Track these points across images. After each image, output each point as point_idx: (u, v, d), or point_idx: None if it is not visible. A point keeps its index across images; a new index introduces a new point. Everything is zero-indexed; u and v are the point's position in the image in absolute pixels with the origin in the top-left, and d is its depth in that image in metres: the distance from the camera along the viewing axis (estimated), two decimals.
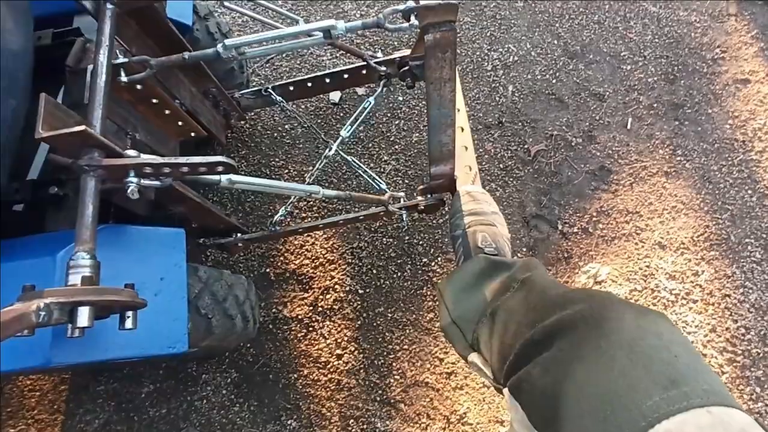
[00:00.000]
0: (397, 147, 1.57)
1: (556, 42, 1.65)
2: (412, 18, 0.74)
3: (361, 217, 1.22)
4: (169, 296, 0.85)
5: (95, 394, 1.43)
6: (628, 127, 1.53)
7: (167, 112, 0.94)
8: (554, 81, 1.60)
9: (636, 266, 1.39)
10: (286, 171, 1.58)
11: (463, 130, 1.18)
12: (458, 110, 1.16)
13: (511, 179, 1.51)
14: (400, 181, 1.54)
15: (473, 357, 0.74)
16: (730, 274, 1.37)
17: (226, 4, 0.85)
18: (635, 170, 1.49)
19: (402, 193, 1.16)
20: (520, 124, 1.57)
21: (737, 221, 1.42)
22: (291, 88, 1.29)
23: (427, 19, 0.74)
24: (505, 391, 0.60)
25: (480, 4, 1.72)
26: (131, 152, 0.70)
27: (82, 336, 0.64)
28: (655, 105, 1.55)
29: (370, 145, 1.58)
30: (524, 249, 1.44)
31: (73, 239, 0.71)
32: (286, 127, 1.62)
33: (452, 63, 0.83)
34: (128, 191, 0.68)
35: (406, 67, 1.04)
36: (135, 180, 0.69)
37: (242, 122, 1.59)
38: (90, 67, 0.76)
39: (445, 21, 0.75)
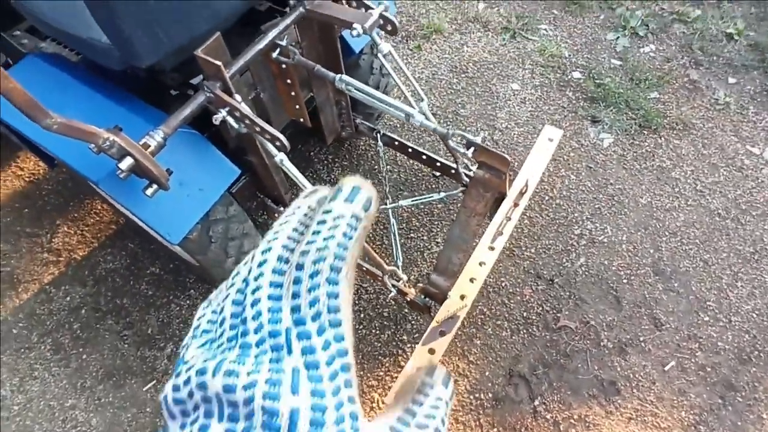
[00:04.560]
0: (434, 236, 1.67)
1: (651, 251, 1.61)
2: (471, 150, 0.87)
3: (364, 268, 1.33)
4: (195, 202, 1.07)
5: (123, 248, 1.74)
6: (666, 369, 1.42)
7: (292, 93, 1.20)
8: (625, 281, 1.56)
9: None
10: None
11: (493, 249, 1.23)
12: (493, 248, 1.18)
13: (525, 331, 1.50)
14: (420, 258, 1.62)
15: None
16: None
17: (380, 56, 1.08)
18: (643, 411, 1.37)
19: (405, 276, 1.23)
20: (567, 294, 1.55)
21: None
22: (396, 143, 1.49)
23: (482, 158, 0.86)
24: None
25: (607, 178, 1.77)
26: (237, 96, 0.94)
27: (124, 179, 0.87)
28: (708, 369, 1.41)
29: (415, 226, 1.70)
30: (489, 395, 1.40)
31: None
32: (375, 165, 1.83)
33: (488, 204, 0.93)
34: (214, 117, 0.92)
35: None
36: (224, 113, 0.93)
37: (348, 141, 1.83)
38: (261, 35, 1.03)
39: (496, 168, 0.87)
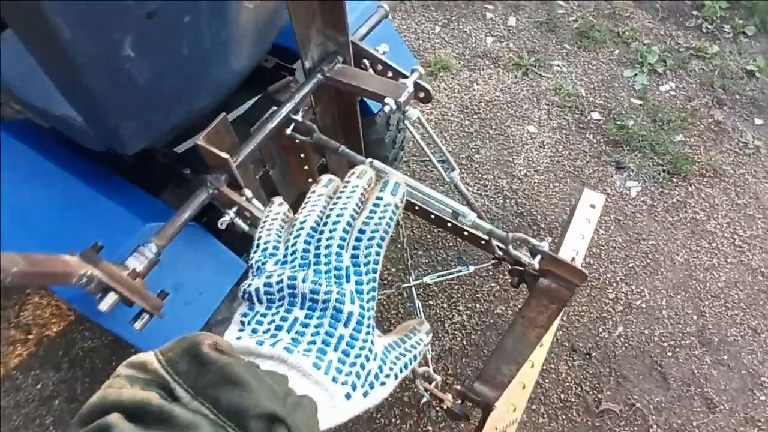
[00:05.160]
0: (455, 303, 1.51)
1: (694, 317, 1.47)
2: (537, 258, 0.72)
3: None
4: (195, 311, 0.88)
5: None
6: None
7: (306, 167, 1.03)
8: (669, 354, 1.41)
9: None
10: None
11: (541, 345, 1.09)
12: (542, 345, 1.05)
13: (563, 416, 1.33)
14: (441, 329, 1.46)
15: None
16: None
17: (406, 123, 0.93)
18: None
19: (438, 377, 1.05)
20: (607, 370, 1.40)
21: None
22: (416, 207, 1.33)
23: (550, 268, 0.71)
24: None
25: (638, 233, 1.63)
26: (247, 192, 0.77)
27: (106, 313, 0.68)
28: None
29: (434, 291, 1.54)
30: None
31: (167, 218, 0.78)
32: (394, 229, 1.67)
33: (552, 317, 0.77)
34: (220, 220, 0.75)
35: (521, 268, 0.99)
36: (232, 215, 0.75)
37: None
38: (273, 109, 0.86)
39: (567, 280, 0.72)
